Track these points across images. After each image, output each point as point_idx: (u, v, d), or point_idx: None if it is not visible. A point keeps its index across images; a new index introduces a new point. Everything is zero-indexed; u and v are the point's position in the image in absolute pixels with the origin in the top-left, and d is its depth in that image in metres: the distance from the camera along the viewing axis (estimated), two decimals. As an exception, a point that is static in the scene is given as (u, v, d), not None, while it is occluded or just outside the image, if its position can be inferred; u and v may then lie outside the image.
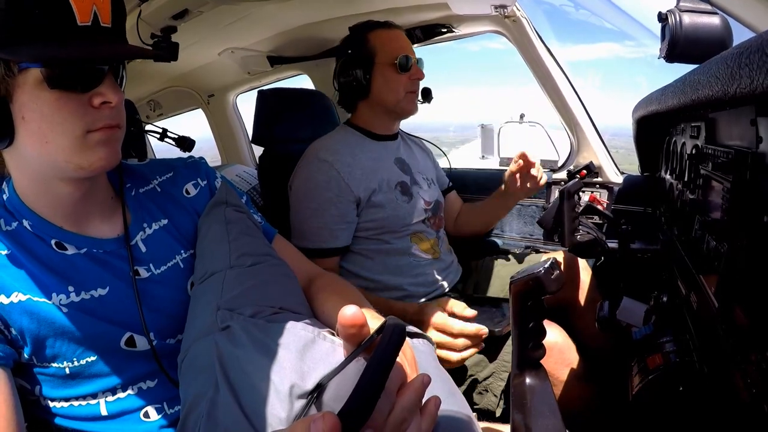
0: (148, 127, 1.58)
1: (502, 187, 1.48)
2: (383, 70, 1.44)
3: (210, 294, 0.75)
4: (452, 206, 1.74)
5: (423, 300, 1.43)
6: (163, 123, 3.01)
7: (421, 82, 1.50)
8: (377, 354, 0.44)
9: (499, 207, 1.61)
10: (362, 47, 1.46)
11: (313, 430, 0.40)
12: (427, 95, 1.60)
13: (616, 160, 1.90)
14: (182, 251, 0.86)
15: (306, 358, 0.61)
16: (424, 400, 0.55)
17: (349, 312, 0.50)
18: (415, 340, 0.90)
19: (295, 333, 0.64)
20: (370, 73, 1.45)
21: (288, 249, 1.02)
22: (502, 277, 1.59)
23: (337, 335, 0.72)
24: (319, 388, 0.49)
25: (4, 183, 0.77)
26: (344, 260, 1.45)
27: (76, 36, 0.65)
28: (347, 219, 1.39)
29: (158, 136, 1.57)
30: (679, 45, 0.92)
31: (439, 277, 1.49)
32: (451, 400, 0.77)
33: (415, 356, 0.73)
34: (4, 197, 0.76)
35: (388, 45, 1.45)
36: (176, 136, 1.59)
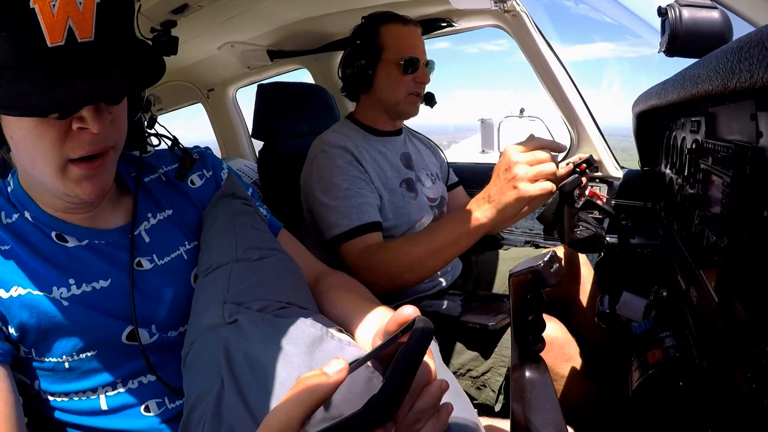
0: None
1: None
2: (388, 67, 1.41)
3: (216, 287, 0.75)
4: (457, 202, 1.70)
5: (422, 296, 1.43)
6: (161, 119, 2.99)
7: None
8: (407, 350, 0.44)
9: None
10: (372, 39, 1.42)
11: (328, 371, 0.43)
12: (430, 99, 1.54)
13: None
14: (186, 242, 0.85)
15: (315, 355, 0.61)
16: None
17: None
18: None
19: (304, 330, 0.64)
20: (374, 68, 1.42)
21: (294, 244, 1.01)
22: (502, 273, 1.59)
23: (346, 333, 0.71)
24: None
25: (10, 175, 0.78)
26: None
27: (42, 61, 0.57)
28: (376, 199, 1.36)
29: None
30: (678, 39, 0.92)
31: (439, 273, 1.48)
32: (457, 400, 0.78)
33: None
34: (9, 189, 0.77)
35: (398, 42, 1.42)
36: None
